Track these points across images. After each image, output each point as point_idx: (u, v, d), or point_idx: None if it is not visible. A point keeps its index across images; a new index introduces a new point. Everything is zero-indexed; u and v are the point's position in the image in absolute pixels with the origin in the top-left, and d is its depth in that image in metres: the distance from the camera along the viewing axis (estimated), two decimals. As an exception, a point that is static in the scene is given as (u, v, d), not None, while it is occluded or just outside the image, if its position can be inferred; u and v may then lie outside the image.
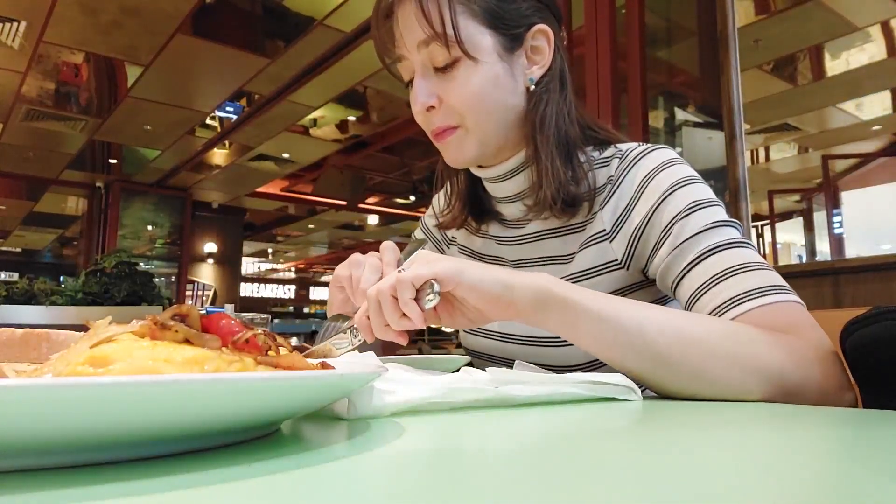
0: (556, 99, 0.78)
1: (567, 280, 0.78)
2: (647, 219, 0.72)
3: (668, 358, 0.57)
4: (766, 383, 0.55)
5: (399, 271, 0.61)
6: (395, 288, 0.59)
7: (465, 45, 0.72)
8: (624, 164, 0.77)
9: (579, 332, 0.59)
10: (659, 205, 0.71)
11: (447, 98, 0.75)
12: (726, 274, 0.64)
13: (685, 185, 0.71)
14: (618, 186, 0.76)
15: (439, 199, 0.99)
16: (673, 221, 0.69)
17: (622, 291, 0.76)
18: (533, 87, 0.77)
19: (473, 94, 0.73)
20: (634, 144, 0.80)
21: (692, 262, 0.66)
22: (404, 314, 0.60)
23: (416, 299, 0.59)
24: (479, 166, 0.83)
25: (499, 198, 0.85)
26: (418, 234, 1.04)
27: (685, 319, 0.59)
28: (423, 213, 1.06)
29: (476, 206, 0.90)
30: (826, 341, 0.60)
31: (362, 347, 0.71)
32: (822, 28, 3.81)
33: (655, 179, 0.73)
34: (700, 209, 0.69)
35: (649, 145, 0.78)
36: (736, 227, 0.68)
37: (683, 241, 0.68)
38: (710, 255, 0.65)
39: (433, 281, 0.59)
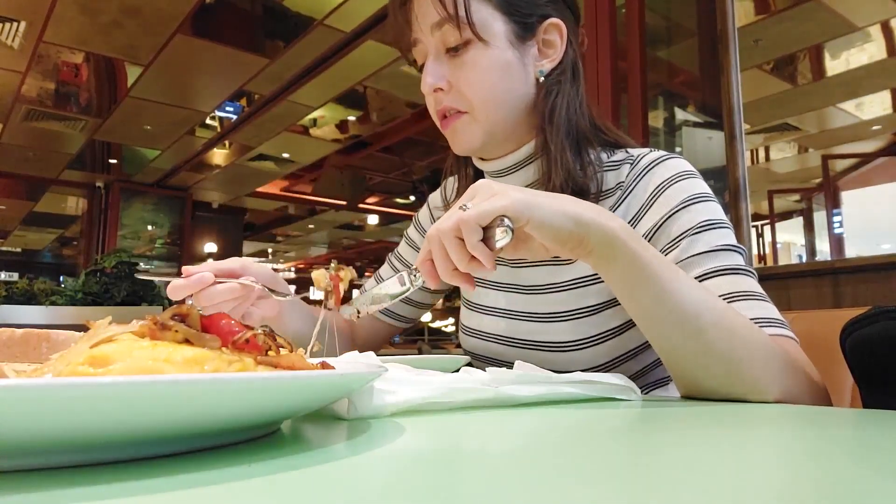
0: (567, 91, 0.78)
1: (565, 285, 0.78)
2: (656, 227, 0.72)
3: (712, 349, 0.56)
4: (783, 399, 0.56)
5: (461, 207, 0.55)
6: (459, 229, 0.54)
7: (476, 28, 0.73)
8: (636, 170, 0.77)
9: (636, 295, 0.58)
10: (671, 215, 0.71)
11: (457, 82, 0.75)
12: (731, 298, 0.63)
13: (700, 201, 0.71)
14: (629, 193, 0.76)
15: (440, 193, 0.99)
16: (683, 235, 0.69)
17: (614, 303, 0.75)
18: (542, 79, 0.77)
19: (482, 79, 0.74)
20: (647, 150, 0.79)
21: (697, 278, 0.66)
22: (473, 257, 0.55)
23: (485, 238, 0.54)
24: (482, 159, 0.83)
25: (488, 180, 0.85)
26: (411, 232, 1.03)
27: (738, 317, 0.59)
28: None
29: None
30: (823, 383, 0.61)
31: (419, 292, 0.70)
32: (822, 28, 3.80)
33: (669, 189, 0.73)
34: (712, 229, 0.68)
35: (663, 153, 0.78)
36: (741, 254, 0.68)
37: (690, 257, 0.67)
38: (715, 276, 0.65)
39: (503, 217, 0.53)
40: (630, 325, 0.76)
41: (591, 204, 0.58)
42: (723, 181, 2.24)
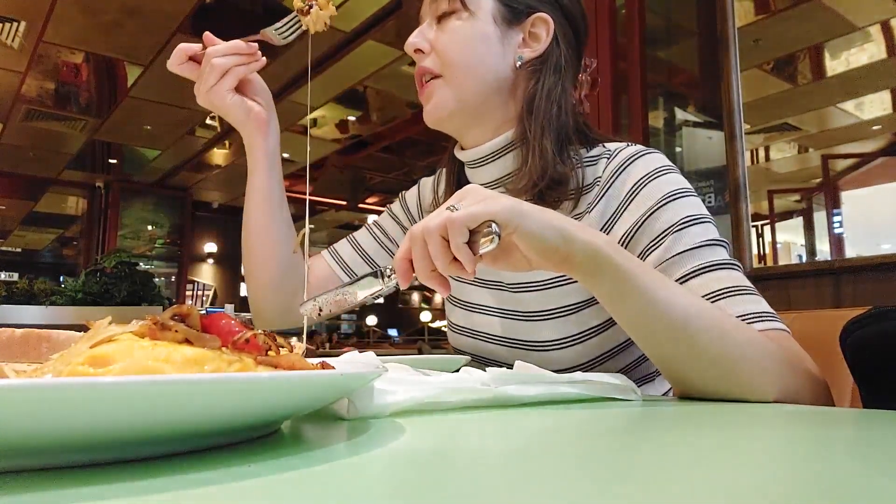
0: (548, 83, 0.78)
1: (547, 283, 0.78)
2: (637, 225, 0.71)
3: (704, 353, 0.56)
4: (782, 397, 0.56)
5: (449, 208, 0.54)
6: (445, 228, 0.53)
7: None
8: (613, 164, 0.76)
9: (624, 307, 0.58)
10: (652, 213, 0.70)
11: (436, 45, 0.79)
12: (719, 295, 0.63)
13: (681, 196, 0.70)
14: (607, 189, 0.75)
15: (432, 182, 0.98)
16: (666, 233, 0.68)
17: (596, 300, 0.75)
18: (519, 65, 0.79)
19: (460, 43, 0.77)
20: (623, 145, 0.78)
21: (683, 277, 0.66)
22: (454, 258, 0.53)
23: (470, 243, 0.53)
24: (462, 148, 0.83)
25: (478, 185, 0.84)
26: (395, 207, 1.00)
27: (728, 318, 0.59)
28: None
29: None
30: (822, 375, 0.61)
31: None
32: (822, 28, 3.80)
33: (648, 186, 0.72)
34: (694, 224, 0.68)
35: (640, 148, 0.77)
36: (725, 247, 0.68)
37: (675, 255, 0.67)
38: (700, 274, 0.65)
39: (491, 222, 0.52)
40: (608, 324, 0.75)
41: (573, 220, 0.58)
42: (723, 181, 2.25)
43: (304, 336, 0.68)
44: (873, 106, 5.09)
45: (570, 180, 0.75)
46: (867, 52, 4.08)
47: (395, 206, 1.02)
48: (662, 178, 0.72)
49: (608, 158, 0.77)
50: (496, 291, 0.83)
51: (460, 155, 0.84)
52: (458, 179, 0.88)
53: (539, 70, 0.79)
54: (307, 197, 0.73)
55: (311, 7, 0.77)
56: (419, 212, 0.99)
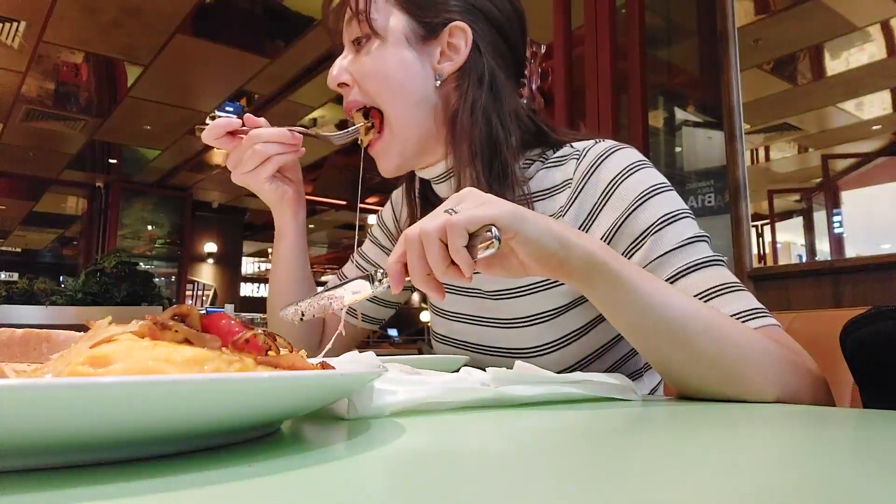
0: (470, 98, 0.74)
1: (526, 289, 0.76)
2: (615, 228, 0.69)
3: (703, 355, 0.56)
4: (782, 396, 0.56)
5: (448, 211, 0.53)
6: (444, 231, 0.51)
7: (371, 22, 0.74)
8: (583, 164, 0.74)
9: (621, 312, 0.58)
10: (629, 214, 0.68)
11: (358, 77, 0.76)
12: (708, 294, 0.63)
13: (656, 193, 0.69)
14: (580, 191, 0.73)
15: (402, 191, 0.97)
16: (645, 234, 0.67)
17: (578, 301, 0.74)
18: (439, 83, 0.75)
19: (378, 73, 0.74)
20: (591, 142, 0.76)
21: (669, 278, 0.65)
22: (452, 262, 0.52)
23: (468, 246, 0.52)
24: (422, 167, 0.82)
25: (443, 199, 0.82)
26: (375, 230, 1.00)
27: (724, 319, 0.58)
28: None
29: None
30: (820, 371, 0.60)
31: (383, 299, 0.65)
32: (822, 28, 3.80)
33: (622, 186, 0.70)
34: (673, 222, 0.67)
35: (610, 144, 0.75)
36: (707, 241, 0.67)
37: (658, 257, 0.66)
38: (688, 273, 0.64)
39: (492, 226, 0.51)
40: (589, 328, 0.75)
41: (569, 225, 0.57)
42: (723, 181, 2.25)
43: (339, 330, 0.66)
44: (873, 106, 5.09)
45: (513, 198, 0.72)
46: (867, 52, 4.08)
47: (375, 230, 1.01)
48: (635, 176, 0.70)
49: (577, 158, 0.75)
50: (475, 299, 0.82)
51: (420, 173, 0.82)
52: (424, 193, 0.87)
53: (459, 86, 0.75)
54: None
55: (371, 126, 0.77)
56: (396, 226, 0.98)
